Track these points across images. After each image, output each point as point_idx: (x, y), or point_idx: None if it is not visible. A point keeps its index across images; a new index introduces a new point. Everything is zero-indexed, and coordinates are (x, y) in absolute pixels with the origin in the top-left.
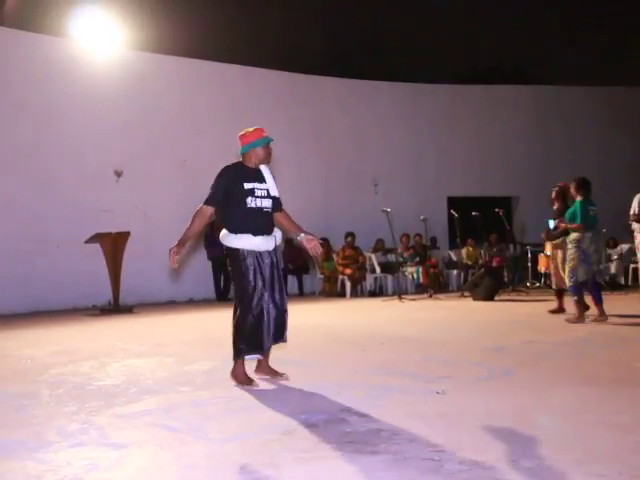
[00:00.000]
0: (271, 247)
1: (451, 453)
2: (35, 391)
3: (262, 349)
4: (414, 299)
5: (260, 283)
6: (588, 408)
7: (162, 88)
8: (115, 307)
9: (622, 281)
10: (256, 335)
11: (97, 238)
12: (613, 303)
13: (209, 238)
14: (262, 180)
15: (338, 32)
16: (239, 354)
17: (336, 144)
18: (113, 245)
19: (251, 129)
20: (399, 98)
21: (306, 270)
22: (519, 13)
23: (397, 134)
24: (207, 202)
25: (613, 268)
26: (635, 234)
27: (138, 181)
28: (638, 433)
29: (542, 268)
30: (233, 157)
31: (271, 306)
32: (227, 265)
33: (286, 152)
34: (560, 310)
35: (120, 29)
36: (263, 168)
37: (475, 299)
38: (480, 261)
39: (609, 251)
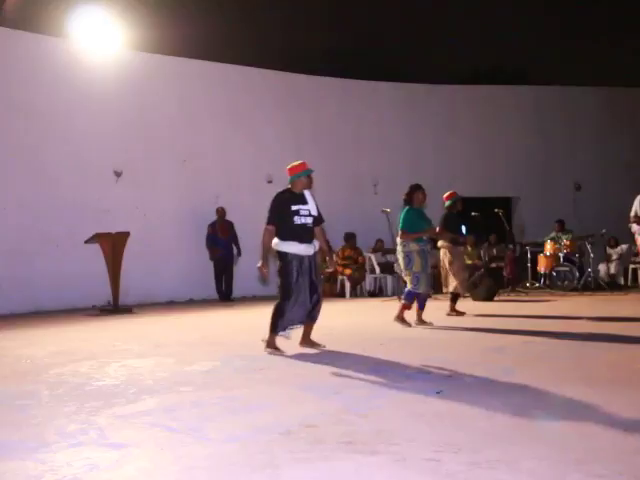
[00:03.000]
0: (311, 253)
1: (451, 453)
2: (35, 391)
3: (288, 329)
4: None
5: (299, 280)
6: (588, 408)
7: (162, 88)
8: (115, 307)
9: (622, 281)
10: (289, 318)
11: (97, 238)
12: (613, 303)
13: (211, 239)
14: (305, 202)
15: (338, 32)
16: (275, 330)
17: (336, 144)
18: (113, 245)
19: (297, 162)
20: (399, 98)
21: None
22: (519, 13)
23: (397, 134)
24: (268, 223)
25: (613, 268)
26: (635, 236)
27: (138, 181)
28: (638, 433)
29: (542, 268)
30: (232, 157)
31: (307, 298)
32: (232, 266)
33: (285, 152)
34: (459, 313)
35: (120, 29)
36: (306, 192)
37: (475, 299)
38: (470, 262)
39: (609, 251)
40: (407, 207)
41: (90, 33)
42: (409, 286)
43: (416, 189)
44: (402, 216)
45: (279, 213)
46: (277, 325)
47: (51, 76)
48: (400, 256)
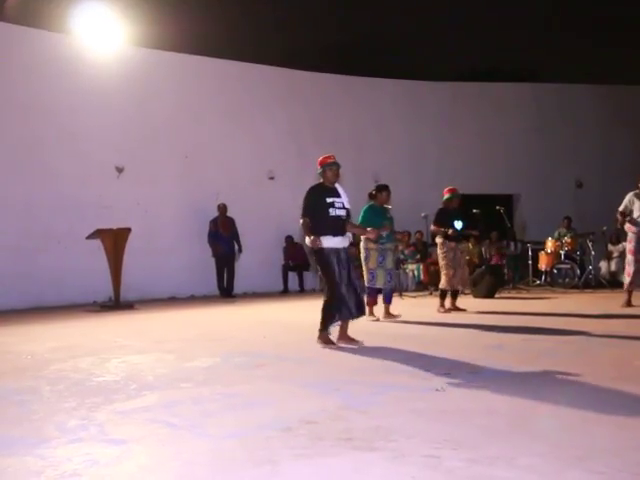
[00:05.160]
0: (346, 245)
1: (450, 450)
2: (35, 387)
3: (337, 320)
4: (415, 296)
5: (340, 271)
6: (588, 405)
7: (163, 84)
8: (116, 303)
9: (623, 279)
10: (339, 310)
11: (98, 234)
12: (614, 301)
13: (213, 236)
14: (338, 195)
15: (339, 29)
16: (326, 327)
17: (336, 141)
18: (114, 241)
19: (326, 155)
20: (400, 95)
21: (306, 267)
22: (520, 11)
23: (398, 131)
24: (304, 215)
25: (614, 266)
26: (629, 237)
27: (139, 177)
28: (638, 430)
29: (543, 266)
30: (233, 153)
31: (350, 289)
32: (233, 263)
33: (285, 149)
34: (447, 309)
35: (122, 25)
36: (338, 186)
37: (476, 296)
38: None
39: (611, 248)
40: (369, 204)
41: (92, 29)
42: (366, 282)
43: (384, 189)
44: (361, 212)
45: (313, 206)
46: (328, 322)
47: (53, 72)
48: (361, 251)
